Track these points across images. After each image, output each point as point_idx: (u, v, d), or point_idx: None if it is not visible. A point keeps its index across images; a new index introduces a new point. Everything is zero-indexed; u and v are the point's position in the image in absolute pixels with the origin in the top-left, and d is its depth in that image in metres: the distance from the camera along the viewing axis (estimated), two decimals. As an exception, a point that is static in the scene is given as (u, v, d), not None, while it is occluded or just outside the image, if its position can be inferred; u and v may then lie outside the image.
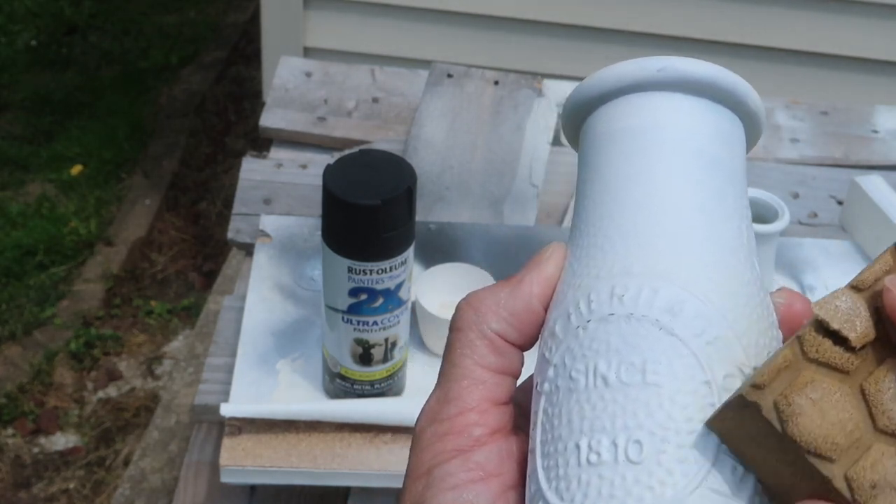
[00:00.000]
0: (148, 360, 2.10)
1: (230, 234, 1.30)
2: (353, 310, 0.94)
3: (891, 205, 1.24)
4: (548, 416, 0.37)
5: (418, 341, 1.09)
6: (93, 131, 2.66)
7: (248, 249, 1.27)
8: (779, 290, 0.40)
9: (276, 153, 1.46)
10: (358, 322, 0.95)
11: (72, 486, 1.87)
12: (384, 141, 1.45)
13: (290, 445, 1.00)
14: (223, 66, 2.94)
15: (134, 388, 2.05)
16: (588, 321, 0.37)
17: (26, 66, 2.91)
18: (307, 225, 1.24)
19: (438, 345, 1.08)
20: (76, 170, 2.54)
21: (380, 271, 0.91)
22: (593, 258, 0.38)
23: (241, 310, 1.14)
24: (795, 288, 1.21)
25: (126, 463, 1.88)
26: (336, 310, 0.95)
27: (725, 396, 0.35)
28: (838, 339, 0.34)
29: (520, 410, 0.40)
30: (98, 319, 2.17)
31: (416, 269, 1.14)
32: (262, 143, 1.56)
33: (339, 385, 1.01)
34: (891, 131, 1.55)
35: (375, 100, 1.54)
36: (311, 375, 1.05)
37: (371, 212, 0.87)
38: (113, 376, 2.06)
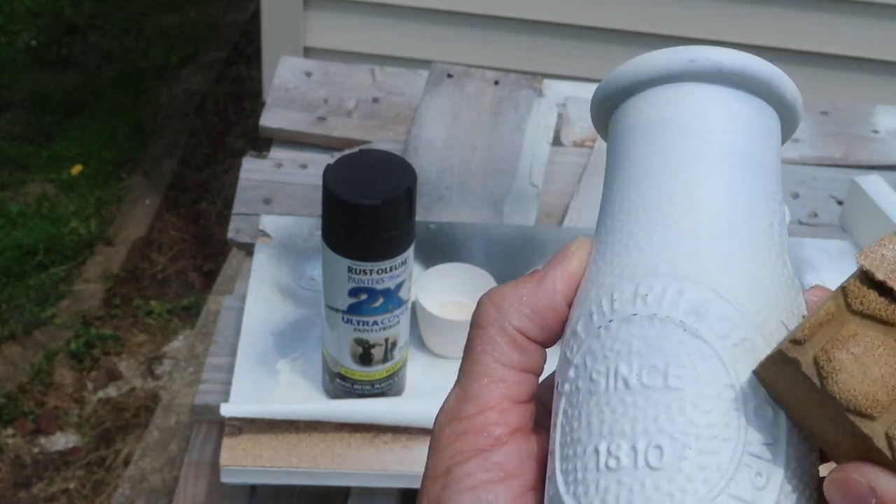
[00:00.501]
0: (148, 360, 2.10)
1: (230, 234, 1.30)
2: (353, 310, 0.94)
3: (891, 205, 1.24)
4: (567, 417, 0.36)
5: (418, 341, 1.09)
6: (93, 131, 2.66)
7: (248, 249, 1.27)
8: (812, 287, 0.39)
9: (276, 153, 1.46)
10: (358, 322, 0.95)
11: (72, 486, 1.86)
12: (384, 141, 1.45)
13: (290, 445, 1.00)
14: (223, 66, 2.94)
15: (134, 388, 2.05)
16: (610, 321, 0.36)
17: (26, 66, 2.91)
18: (307, 225, 1.24)
19: (438, 345, 1.08)
20: (76, 170, 2.54)
21: (380, 271, 0.91)
22: (618, 255, 0.37)
23: (241, 310, 1.14)
24: (795, 288, 1.21)
25: (126, 463, 1.88)
26: (336, 310, 0.95)
27: (751, 400, 0.34)
28: (884, 289, 0.33)
29: (542, 407, 0.39)
30: (98, 319, 2.17)
31: (416, 269, 1.14)
32: (262, 143, 1.56)
33: (339, 385, 1.01)
34: (891, 131, 1.55)
35: (375, 100, 1.54)
36: (311, 375, 1.05)
37: (371, 212, 0.87)
38: (113, 376, 2.06)
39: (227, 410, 1.00)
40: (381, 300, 0.93)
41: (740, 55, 0.38)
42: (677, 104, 0.39)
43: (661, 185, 0.38)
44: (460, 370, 0.39)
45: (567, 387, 0.37)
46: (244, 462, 0.98)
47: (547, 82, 1.55)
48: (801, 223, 1.37)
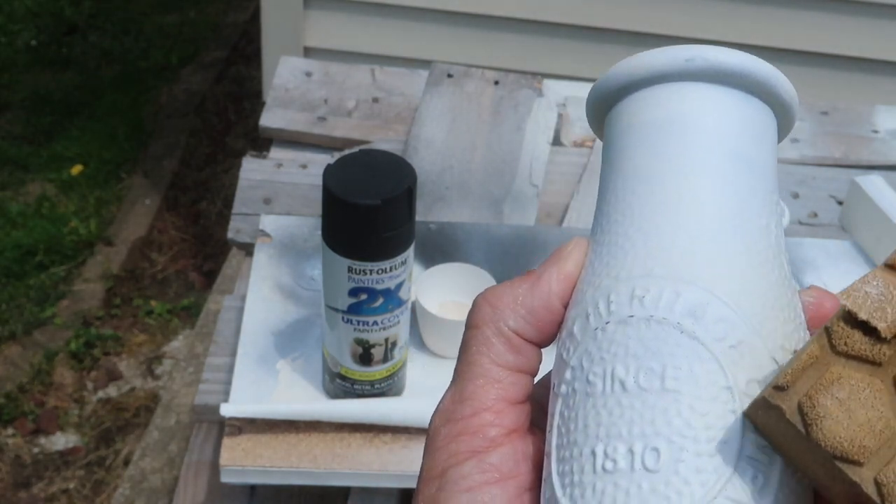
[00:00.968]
0: (148, 360, 2.10)
1: (230, 234, 1.30)
2: (353, 310, 0.94)
3: (891, 205, 1.24)
4: (564, 419, 0.36)
5: (418, 341, 1.09)
6: (93, 131, 2.66)
7: (248, 249, 1.27)
8: (808, 288, 0.39)
9: (276, 153, 1.46)
10: (358, 322, 0.95)
11: (72, 486, 1.86)
12: (384, 141, 1.45)
13: (290, 445, 1.00)
14: (223, 65, 2.94)
15: (134, 388, 2.05)
16: (607, 323, 0.36)
17: (26, 66, 2.91)
18: (307, 225, 1.24)
19: (438, 345, 1.08)
20: (76, 170, 2.54)
21: (380, 271, 0.91)
22: (614, 257, 0.37)
23: (241, 310, 1.14)
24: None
25: (126, 463, 1.88)
26: (336, 310, 0.95)
27: (747, 402, 0.34)
28: (868, 329, 0.32)
29: (538, 407, 0.39)
30: (98, 319, 2.17)
31: (416, 269, 1.14)
32: (262, 143, 1.56)
33: (339, 385, 1.01)
34: (891, 131, 1.55)
35: (375, 100, 1.54)
36: (311, 375, 1.05)
37: (371, 212, 0.87)
38: (113, 376, 2.06)
39: (227, 410, 1.00)
40: (381, 300, 0.93)
41: (737, 54, 0.38)
42: (674, 104, 0.38)
43: (656, 185, 0.37)
44: (455, 371, 0.39)
45: (563, 388, 0.37)
46: (244, 462, 0.98)
47: (547, 82, 1.55)
48: (801, 223, 1.37)
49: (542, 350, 0.39)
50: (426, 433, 0.38)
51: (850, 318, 0.32)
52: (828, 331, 0.32)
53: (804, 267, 1.24)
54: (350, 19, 2.18)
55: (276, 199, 1.34)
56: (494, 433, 0.37)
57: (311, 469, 0.99)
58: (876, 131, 1.55)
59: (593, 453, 0.34)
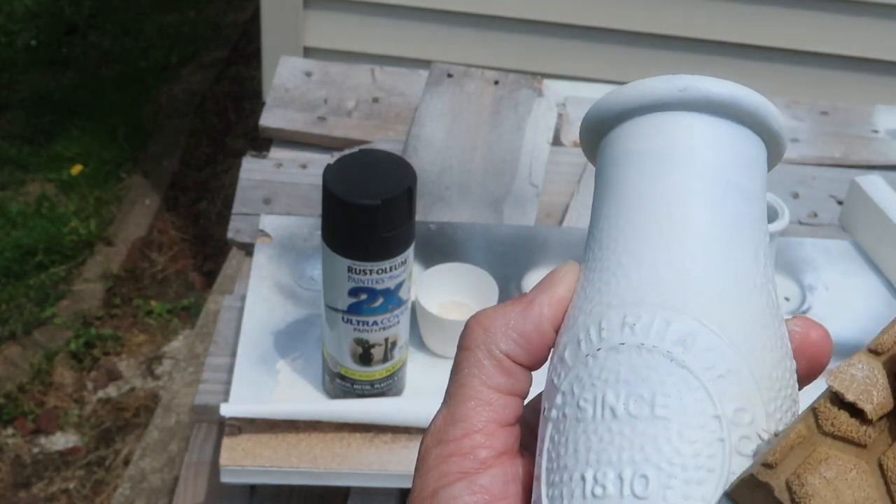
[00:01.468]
0: (148, 360, 2.10)
1: (230, 234, 1.30)
2: (353, 310, 0.94)
3: (891, 205, 1.24)
4: (554, 443, 0.37)
5: (418, 341, 1.09)
6: (93, 131, 2.66)
7: (248, 249, 1.27)
8: (795, 317, 0.39)
9: (276, 153, 1.46)
10: (358, 322, 0.95)
11: (72, 486, 1.87)
12: (384, 141, 1.45)
13: (290, 445, 1.00)
14: (223, 65, 2.94)
15: (134, 388, 2.05)
16: (598, 349, 0.37)
17: (26, 66, 2.91)
18: (307, 225, 1.24)
19: (438, 345, 1.08)
20: (76, 170, 2.54)
21: (380, 271, 0.91)
22: (606, 284, 0.38)
23: (241, 310, 1.14)
24: (795, 288, 1.21)
25: (126, 463, 1.88)
26: (336, 310, 0.95)
27: (735, 431, 0.34)
28: (854, 410, 0.32)
29: (528, 430, 0.39)
30: (98, 319, 2.18)
31: (416, 269, 1.14)
32: (262, 142, 1.56)
33: (339, 385, 1.01)
34: (891, 131, 1.55)
35: (375, 100, 1.54)
36: (311, 375, 1.05)
37: (371, 212, 0.87)
38: (113, 376, 2.06)
39: (227, 410, 1.00)
40: (380, 300, 0.93)
41: (729, 85, 0.39)
42: (667, 133, 0.39)
43: (649, 213, 0.38)
44: (447, 392, 0.39)
45: (554, 413, 0.37)
46: (244, 462, 0.98)
47: (547, 82, 1.55)
48: (801, 223, 1.37)
49: (533, 373, 0.40)
50: (418, 451, 0.39)
51: (837, 399, 0.33)
52: (815, 411, 0.33)
53: (804, 267, 1.24)
54: (350, 19, 2.18)
55: (276, 199, 1.34)
56: (485, 455, 0.37)
57: (311, 469, 0.99)
58: (876, 131, 1.55)
59: (583, 478, 0.35)
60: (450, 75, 1.54)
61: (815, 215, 1.39)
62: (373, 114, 1.52)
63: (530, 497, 0.37)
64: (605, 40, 2.17)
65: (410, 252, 0.93)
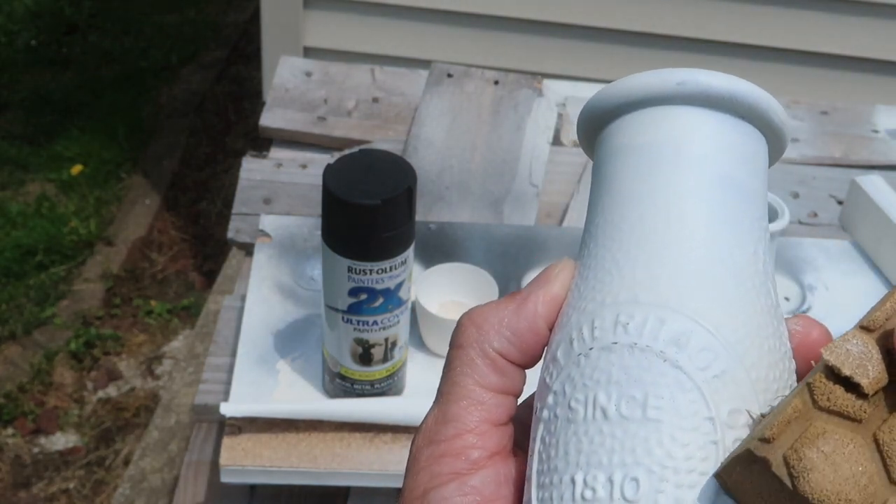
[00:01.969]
0: (148, 360, 2.10)
1: (230, 234, 1.30)
2: (353, 310, 0.94)
3: (891, 205, 1.24)
4: (545, 444, 0.36)
5: (418, 341, 1.09)
6: (93, 131, 2.66)
7: (248, 249, 1.27)
8: (795, 316, 0.38)
9: (276, 153, 1.46)
10: (358, 322, 0.95)
11: (72, 486, 1.87)
12: (384, 141, 1.45)
13: (290, 445, 1.00)
14: (223, 65, 2.94)
15: (134, 387, 2.05)
16: (590, 349, 0.36)
17: (26, 66, 2.91)
18: (307, 225, 1.24)
19: (438, 345, 1.08)
20: (76, 170, 2.54)
21: (380, 271, 0.91)
22: (600, 282, 0.37)
23: (241, 310, 1.14)
24: (795, 288, 1.21)
25: (126, 463, 1.88)
26: (336, 310, 0.95)
27: (728, 433, 0.34)
28: (850, 385, 0.32)
29: (521, 428, 0.39)
30: (98, 319, 2.18)
31: (416, 269, 1.14)
32: (262, 142, 1.56)
33: (339, 385, 1.01)
34: (891, 131, 1.55)
35: (375, 100, 1.54)
36: (311, 375, 1.05)
37: (371, 212, 0.87)
38: (113, 376, 2.06)
39: (226, 410, 1.00)
40: (380, 300, 0.93)
41: (728, 78, 0.38)
42: (664, 127, 0.38)
43: (645, 211, 0.37)
44: (439, 391, 0.39)
45: (545, 413, 0.36)
46: (244, 462, 0.98)
47: (547, 82, 1.55)
48: (801, 223, 1.37)
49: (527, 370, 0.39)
50: (409, 451, 0.38)
51: (833, 374, 0.32)
52: (810, 386, 0.33)
53: (804, 267, 1.24)
54: (350, 19, 2.18)
55: (276, 199, 1.34)
56: (477, 455, 0.37)
57: (311, 469, 0.99)
58: (876, 131, 1.55)
59: (573, 481, 0.34)
60: (450, 75, 1.54)
61: (815, 215, 1.39)
62: (373, 114, 1.52)
63: (522, 498, 0.37)
64: (605, 40, 2.17)
65: (410, 252, 0.93)
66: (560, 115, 1.52)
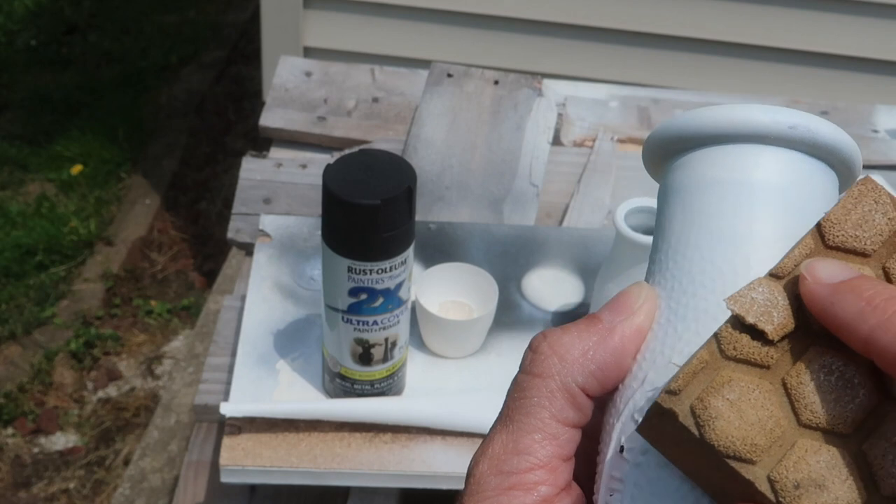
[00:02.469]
0: (148, 360, 2.10)
1: (230, 234, 1.30)
2: (353, 310, 0.94)
3: (891, 205, 1.24)
4: (640, 489, 0.35)
5: (418, 341, 1.09)
6: (93, 131, 2.66)
7: (248, 249, 1.27)
8: None
9: (276, 153, 1.46)
10: (358, 322, 0.95)
11: (72, 485, 1.87)
12: (384, 141, 1.45)
13: (290, 445, 1.00)
14: (223, 65, 2.94)
15: (134, 387, 2.05)
16: None
17: (26, 66, 2.91)
18: (307, 225, 1.24)
19: (438, 345, 1.08)
20: (76, 170, 2.54)
21: (380, 271, 0.91)
22: (703, 325, 0.36)
23: (241, 310, 1.14)
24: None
25: (126, 463, 1.88)
26: (336, 310, 0.95)
27: None
28: (755, 333, 0.33)
29: (582, 459, 0.38)
30: (98, 319, 2.18)
31: (416, 269, 1.14)
32: (261, 142, 1.56)
33: (339, 385, 1.01)
34: (891, 131, 1.55)
35: (375, 99, 1.54)
36: (311, 375, 1.05)
37: (371, 212, 0.87)
38: (113, 376, 2.06)
39: (226, 410, 1.00)
40: (380, 300, 0.93)
41: (835, 130, 0.38)
42: (772, 170, 0.38)
43: (751, 254, 0.36)
44: (508, 414, 0.37)
45: (642, 458, 0.36)
46: (244, 462, 0.98)
47: (547, 82, 1.55)
48: (801, 223, 1.37)
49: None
50: (467, 473, 0.37)
51: (738, 323, 0.33)
52: (717, 336, 0.33)
53: (804, 267, 1.24)
54: (350, 19, 2.18)
55: (276, 198, 1.34)
56: (546, 491, 0.36)
57: (311, 469, 0.99)
58: (876, 131, 1.55)
59: None
60: (450, 75, 1.54)
61: (815, 215, 1.39)
62: (373, 114, 1.52)
63: None
64: (605, 40, 2.17)
65: (410, 252, 0.93)
66: (560, 115, 1.52)
